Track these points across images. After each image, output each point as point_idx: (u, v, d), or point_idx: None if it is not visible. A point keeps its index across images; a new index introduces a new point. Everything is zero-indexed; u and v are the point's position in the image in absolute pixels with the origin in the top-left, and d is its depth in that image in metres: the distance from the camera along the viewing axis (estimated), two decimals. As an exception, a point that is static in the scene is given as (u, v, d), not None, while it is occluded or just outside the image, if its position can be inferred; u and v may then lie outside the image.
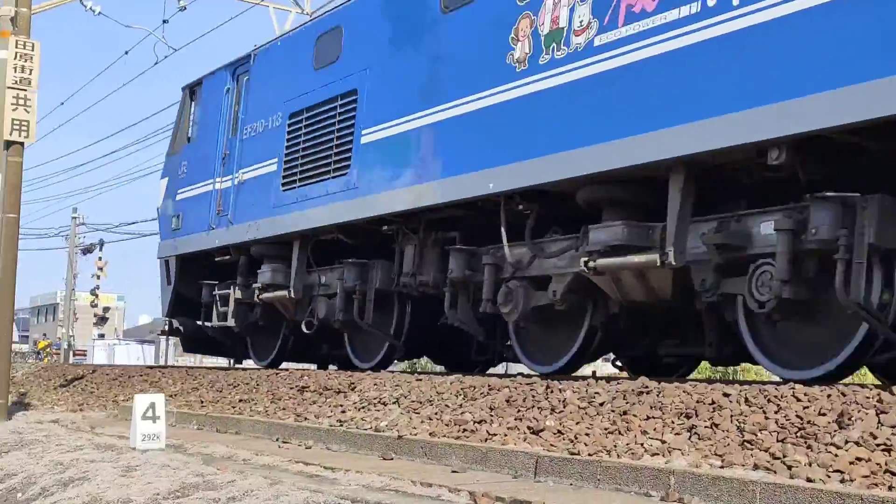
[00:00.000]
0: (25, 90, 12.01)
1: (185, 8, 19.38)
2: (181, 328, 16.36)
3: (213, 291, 15.04)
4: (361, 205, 11.23)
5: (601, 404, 6.83)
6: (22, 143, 12.12)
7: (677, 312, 8.85)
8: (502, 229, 9.57)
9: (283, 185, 12.81)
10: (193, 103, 16.24)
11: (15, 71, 11.96)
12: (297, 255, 12.80)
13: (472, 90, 9.71)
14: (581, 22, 8.67)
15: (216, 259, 14.79)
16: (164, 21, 20.91)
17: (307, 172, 12.35)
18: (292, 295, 12.75)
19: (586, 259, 8.57)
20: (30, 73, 12.03)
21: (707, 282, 7.87)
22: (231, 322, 14.45)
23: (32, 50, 12.08)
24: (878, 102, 6.33)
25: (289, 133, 12.87)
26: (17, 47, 12.01)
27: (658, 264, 7.96)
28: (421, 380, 9.11)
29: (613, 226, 8.32)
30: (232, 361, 18.14)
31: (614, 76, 8.28)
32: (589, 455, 5.84)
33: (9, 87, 11.97)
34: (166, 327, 17.04)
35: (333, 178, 11.79)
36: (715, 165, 7.77)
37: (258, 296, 13.51)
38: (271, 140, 13.26)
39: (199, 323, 15.55)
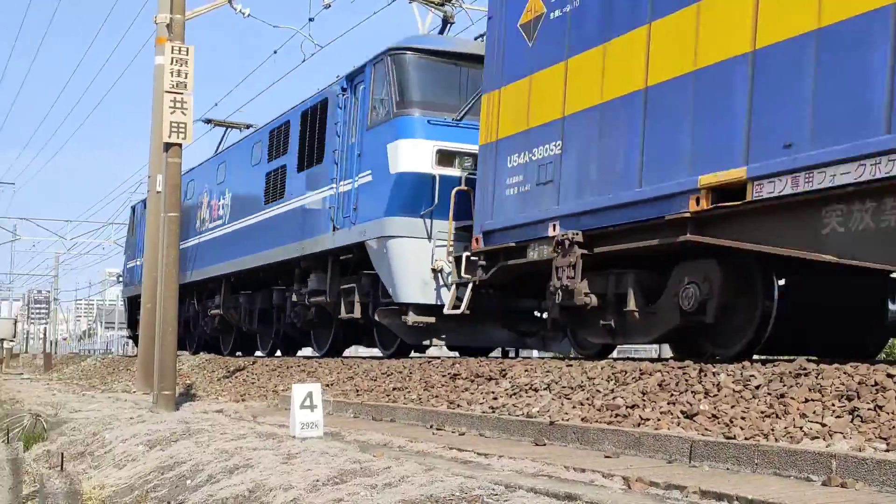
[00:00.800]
0: (182, 93, 12.44)
1: (330, 5, 19.78)
2: (133, 334, 30.22)
3: (135, 314, 27.26)
4: (181, 275, 23.38)
5: (757, 387, 6.68)
6: (180, 145, 12.58)
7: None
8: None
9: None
10: (133, 214, 31.47)
11: (172, 75, 12.40)
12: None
13: (195, 235, 23.38)
14: (209, 214, 22.05)
15: (132, 299, 29.33)
16: (310, 19, 21.46)
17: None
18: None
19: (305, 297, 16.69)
20: (185, 77, 12.46)
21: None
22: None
23: (187, 54, 12.51)
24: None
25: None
26: (173, 52, 12.46)
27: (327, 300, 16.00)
28: (571, 365, 9.08)
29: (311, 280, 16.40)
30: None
31: (215, 239, 21.70)
32: (745, 439, 5.72)
33: (166, 91, 12.42)
34: (128, 334, 35.80)
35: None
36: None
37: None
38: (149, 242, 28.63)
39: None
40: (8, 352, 40.21)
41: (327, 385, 12.40)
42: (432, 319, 13.24)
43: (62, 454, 8.82)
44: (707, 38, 8.53)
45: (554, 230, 10.40)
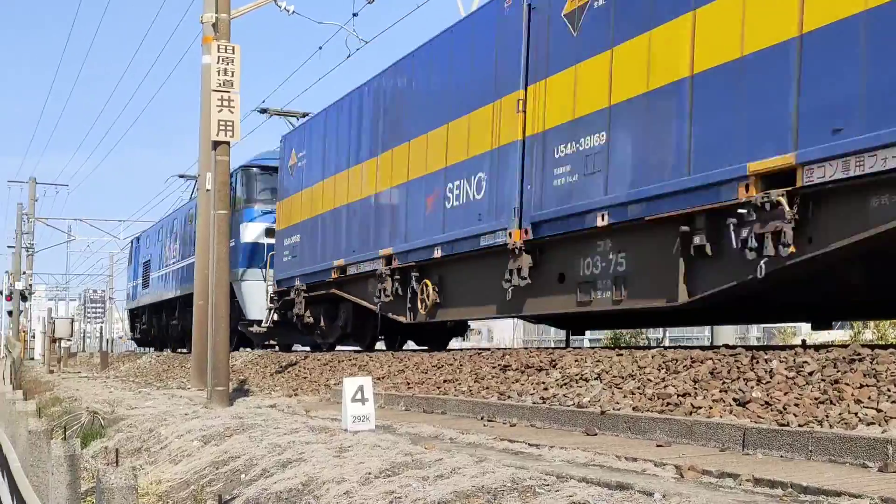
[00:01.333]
0: (229, 91, 12.55)
1: (374, 0, 19.79)
2: (133, 336, 43.41)
3: (134, 322, 41.99)
4: (155, 295, 35.63)
5: (810, 374, 6.60)
6: (228, 143, 12.68)
7: None
8: None
9: (142, 287, 38.64)
10: (131, 247, 43.33)
11: (218, 74, 12.51)
12: (147, 313, 38.24)
13: (163, 268, 34.56)
14: (169, 254, 33.18)
15: (132, 310, 43.46)
16: (354, 14, 21.44)
17: (147, 284, 37.32)
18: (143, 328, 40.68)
19: None
20: (232, 76, 12.56)
21: None
22: (137, 335, 42.08)
23: (233, 53, 12.61)
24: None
25: (142, 270, 38.99)
26: (219, 51, 12.56)
27: None
28: (622, 355, 9.04)
29: None
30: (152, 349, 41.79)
31: (174, 272, 31.94)
32: (799, 426, 5.67)
33: (214, 90, 12.53)
34: (130, 335, 46.31)
35: (145, 287, 37.86)
36: None
37: (141, 328, 41.17)
38: (140, 270, 39.51)
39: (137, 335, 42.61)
40: (66, 351, 40.88)
41: (378, 378, 12.46)
42: (265, 330, 21.87)
43: (117, 450, 8.96)
44: (351, 190, 16.95)
45: (298, 282, 18.98)
